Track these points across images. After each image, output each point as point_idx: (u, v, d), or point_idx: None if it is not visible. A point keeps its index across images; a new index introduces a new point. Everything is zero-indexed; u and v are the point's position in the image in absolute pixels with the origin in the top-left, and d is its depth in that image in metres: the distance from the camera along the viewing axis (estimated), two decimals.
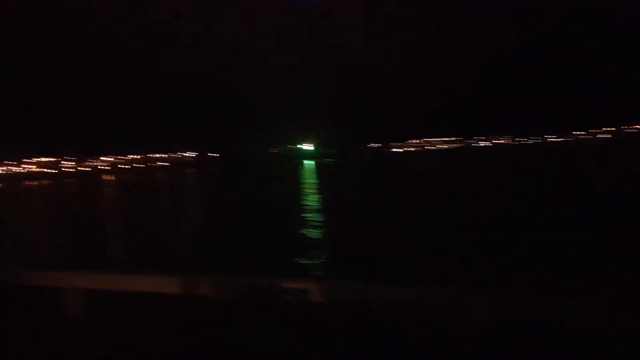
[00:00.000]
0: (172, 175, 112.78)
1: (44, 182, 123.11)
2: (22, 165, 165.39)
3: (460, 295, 3.26)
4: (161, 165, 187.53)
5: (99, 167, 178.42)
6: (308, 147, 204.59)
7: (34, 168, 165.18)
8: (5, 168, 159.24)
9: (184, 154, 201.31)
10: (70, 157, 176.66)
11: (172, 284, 3.65)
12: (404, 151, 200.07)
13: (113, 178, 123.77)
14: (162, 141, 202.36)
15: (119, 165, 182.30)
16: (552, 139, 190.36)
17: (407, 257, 12.43)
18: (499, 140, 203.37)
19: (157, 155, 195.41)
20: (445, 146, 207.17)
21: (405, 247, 13.82)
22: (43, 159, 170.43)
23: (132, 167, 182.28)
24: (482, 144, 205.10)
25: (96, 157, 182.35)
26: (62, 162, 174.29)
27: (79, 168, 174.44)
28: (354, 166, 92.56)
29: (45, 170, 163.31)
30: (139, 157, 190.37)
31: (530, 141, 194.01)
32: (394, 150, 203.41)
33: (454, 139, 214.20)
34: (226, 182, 66.10)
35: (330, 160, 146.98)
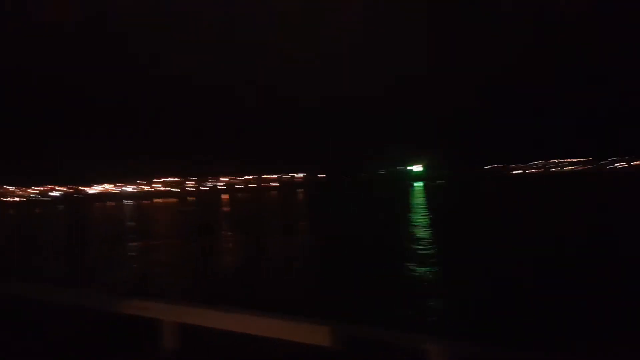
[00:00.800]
0: (282, 196, 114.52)
1: (170, 199, 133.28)
2: (152, 184, 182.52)
3: None
4: (272, 185, 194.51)
5: (217, 186, 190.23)
6: (417, 168, 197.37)
7: (161, 187, 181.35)
8: (136, 186, 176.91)
9: (294, 175, 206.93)
10: (193, 177, 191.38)
11: (269, 325, 3.50)
12: (526, 173, 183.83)
13: (228, 197, 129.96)
14: (273, 163, 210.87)
15: (235, 185, 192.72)
16: None
17: (559, 312, 9.13)
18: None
19: (269, 176, 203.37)
20: (572, 167, 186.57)
21: (548, 297, 10.27)
22: (169, 179, 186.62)
23: (246, 187, 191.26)
24: (617, 165, 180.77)
25: (215, 177, 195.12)
26: (186, 181, 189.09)
27: (200, 187, 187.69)
28: (467, 189, 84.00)
29: (170, 189, 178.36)
30: (252, 177, 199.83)
31: None
32: (513, 172, 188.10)
33: (584, 159, 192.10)
34: (330, 204, 63.99)
35: (441, 182, 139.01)
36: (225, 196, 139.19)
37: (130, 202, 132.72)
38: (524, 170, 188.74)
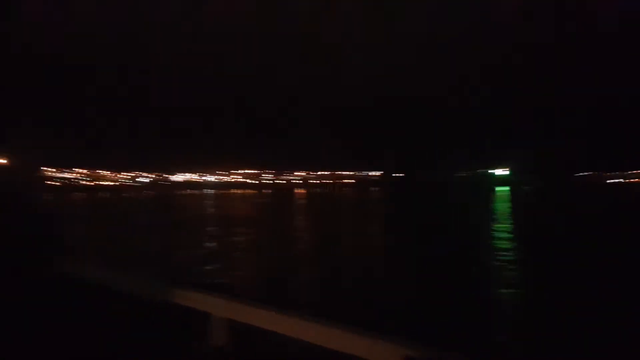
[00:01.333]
0: (356, 193, 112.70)
1: (247, 190, 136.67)
2: (231, 175, 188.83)
3: None
4: (347, 182, 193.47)
5: (292, 180, 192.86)
6: (502, 171, 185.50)
7: (240, 178, 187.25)
8: (216, 177, 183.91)
9: (370, 173, 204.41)
10: (270, 170, 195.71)
11: (324, 333, 3.19)
12: (627, 182, 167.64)
13: (304, 191, 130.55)
14: (349, 160, 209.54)
15: (310, 180, 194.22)
16: None
17: None
18: None
19: (344, 173, 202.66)
20: None
21: None
22: (247, 171, 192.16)
23: (321, 182, 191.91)
24: None
25: (291, 171, 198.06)
26: (263, 174, 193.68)
27: (275, 180, 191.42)
28: (557, 198, 74.90)
29: (248, 180, 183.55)
30: (327, 173, 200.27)
31: None
32: (610, 180, 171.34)
33: None
34: (401, 206, 60.70)
35: (528, 188, 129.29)
36: (300, 191, 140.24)
37: (210, 191, 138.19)
38: (625, 180, 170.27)
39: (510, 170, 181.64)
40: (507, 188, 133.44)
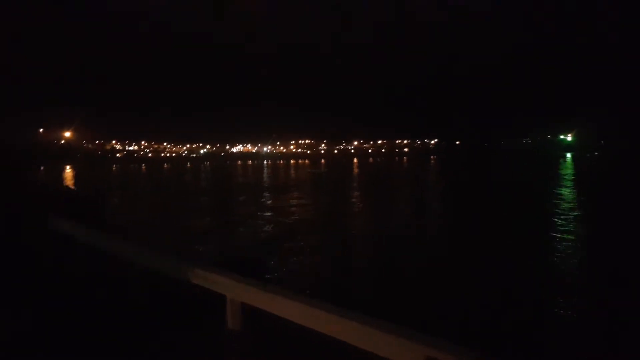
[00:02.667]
0: (415, 164, 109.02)
1: (303, 161, 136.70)
2: (288, 146, 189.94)
3: None
4: (404, 151, 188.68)
5: (349, 149, 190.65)
6: (569, 137, 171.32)
7: (294, 149, 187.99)
8: (271, 148, 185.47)
9: (427, 141, 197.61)
10: (326, 139, 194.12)
11: (337, 324, 3.21)
12: None
13: (370, 161, 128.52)
14: (406, 128, 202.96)
15: (367, 150, 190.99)
16: None
17: None
18: None
19: (401, 142, 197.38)
20: None
21: None
22: (304, 141, 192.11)
23: (377, 152, 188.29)
24: None
25: (348, 141, 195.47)
26: (319, 145, 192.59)
27: (333, 151, 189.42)
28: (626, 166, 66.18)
29: (304, 151, 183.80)
30: (383, 142, 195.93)
31: None
32: None
33: None
34: (463, 178, 57.10)
35: (593, 155, 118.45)
36: (370, 160, 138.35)
37: (267, 161, 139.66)
38: None
39: (574, 136, 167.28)
40: (569, 155, 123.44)
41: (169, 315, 4.66)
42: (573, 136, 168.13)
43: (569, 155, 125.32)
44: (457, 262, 13.70)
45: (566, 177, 47.83)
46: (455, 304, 9.85)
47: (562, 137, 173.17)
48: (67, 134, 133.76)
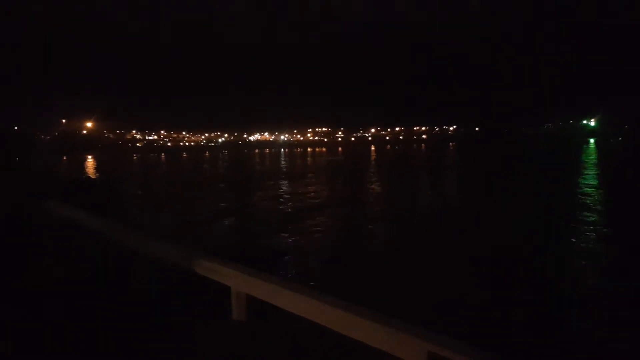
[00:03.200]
0: (432, 151, 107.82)
1: (320, 149, 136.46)
2: (305, 135, 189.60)
3: None
4: (422, 138, 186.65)
5: (366, 137, 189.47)
6: (592, 123, 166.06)
7: (311, 137, 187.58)
8: (288, 136, 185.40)
9: (446, 128, 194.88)
10: (342, 127, 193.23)
11: (342, 319, 3.19)
12: None
13: (388, 148, 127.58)
14: (423, 114, 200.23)
15: (385, 137, 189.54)
16: None
17: None
18: None
19: (417, 129, 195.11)
20: None
21: None
22: (320, 129, 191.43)
23: (395, 139, 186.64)
24: None
25: (365, 129, 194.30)
26: (336, 133, 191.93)
27: (350, 139, 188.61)
28: None
29: (321, 139, 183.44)
30: (400, 129, 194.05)
31: None
32: None
33: None
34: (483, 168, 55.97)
35: (617, 140, 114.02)
36: (389, 148, 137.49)
37: (284, 150, 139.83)
38: None
39: (597, 121, 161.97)
40: (592, 140, 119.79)
41: (175, 305, 4.67)
42: (596, 121, 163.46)
43: (592, 140, 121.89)
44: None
45: (589, 164, 46.45)
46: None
47: (585, 122, 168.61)
48: (89, 125, 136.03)
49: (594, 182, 28.69)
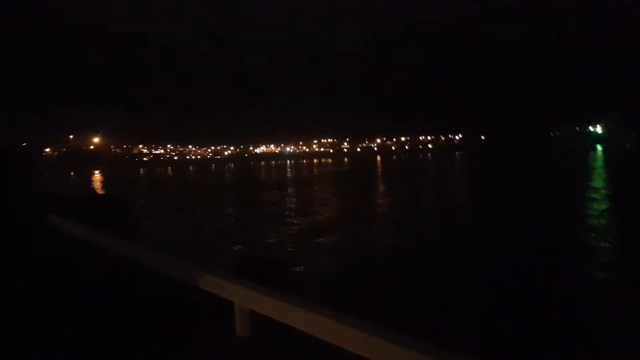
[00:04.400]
0: (440, 160, 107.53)
1: (326, 160, 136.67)
2: (310, 146, 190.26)
3: None
4: (428, 148, 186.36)
5: (372, 147, 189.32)
6: (598, 129, 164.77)
7: (317, 148, 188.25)
8: (296, 147, 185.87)
9: (452, 136, 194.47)
10: (348, 137, 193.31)
11: (349, 334, 3.04)
12: None
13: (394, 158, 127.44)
14: (428, 123, 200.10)
15: (390, 147, 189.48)
16: None
17: None
18: None
19: (423, 138, 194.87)
20: None
21: None
22: (326, 140, 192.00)
23: (400, 149, 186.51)
24: None
25: (370, 139, 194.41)
26: (341, 143, 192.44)
27: (356, 149, 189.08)
28: None
29: (327, 150, 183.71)
30: (405, 139, 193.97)
31: None
32: None
33: None
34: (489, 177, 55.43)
35: (625, 147, 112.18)
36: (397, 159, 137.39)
37: (290, 161, 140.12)
38: None
39: (604, 128, 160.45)
40: (599, 147, 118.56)
41: (178, 321, 4.61)
42: (603, 128, 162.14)
43: (599, 147, 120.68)
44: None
45: (597, 173, 45.76)
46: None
47: (591, 129, 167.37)
48: (96, 140, 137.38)
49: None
